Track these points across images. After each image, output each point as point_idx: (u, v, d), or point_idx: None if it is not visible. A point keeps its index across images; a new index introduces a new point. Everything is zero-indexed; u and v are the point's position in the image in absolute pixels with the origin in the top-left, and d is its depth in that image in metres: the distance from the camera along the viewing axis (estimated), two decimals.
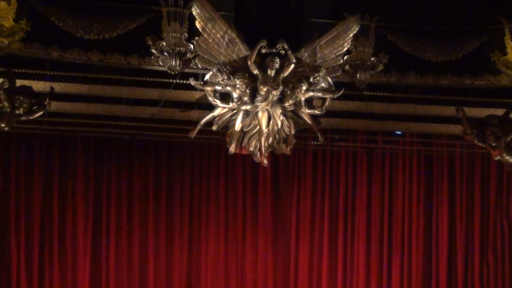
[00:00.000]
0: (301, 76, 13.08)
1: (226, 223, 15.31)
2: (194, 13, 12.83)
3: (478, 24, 13.87)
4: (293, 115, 13.23)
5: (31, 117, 13.41)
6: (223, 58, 13.04)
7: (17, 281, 14.62)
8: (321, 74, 13.14)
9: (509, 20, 13.73)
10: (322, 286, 15.39)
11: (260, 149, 13.28)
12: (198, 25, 12.89)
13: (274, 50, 12.83)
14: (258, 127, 13.15)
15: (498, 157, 14.27)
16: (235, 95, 13.04)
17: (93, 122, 14.44)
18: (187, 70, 13.16)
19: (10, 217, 14.74)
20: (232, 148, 13.38)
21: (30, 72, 13.36)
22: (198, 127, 13.28)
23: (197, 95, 13.43)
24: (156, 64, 13.18)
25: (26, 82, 13.34)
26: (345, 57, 13.32)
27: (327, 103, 13.23)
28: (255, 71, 12.80)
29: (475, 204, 15.62)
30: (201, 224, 15.27)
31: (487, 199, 15.64)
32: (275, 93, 12.92)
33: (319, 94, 13.20)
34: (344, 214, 15.56)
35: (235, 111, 13.17)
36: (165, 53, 13.03)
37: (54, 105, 13.53)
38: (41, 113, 13.41)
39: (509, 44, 13.76)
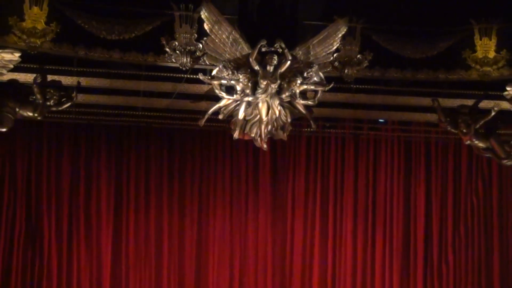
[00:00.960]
0: (296, 71, 13.04)
1: (231, 200, 15.34)
2: (202, 16, 12.82)
3: (451, 25, 13.86)
4: (289, 105, 13.19)
5: (60, 108, 13.41)
6: (228, 56, 13.02)
7: (48, 255, 14.63)
8: (313, 69, 13.10)
9: (478, 21, 13.70)
10: (315, 255, 15.37)
11: (260, 135, 13.27)
12: (206, 27, 12.87)
13: (272, 49, 12.80)
14: (258, 116, 13.11)
15: (468, 142, 14.24)
16: (238, 88, 13.02)
17: (114, 112, 14.44)
18: (196, 66, 13.14)
19: (42, 197, 14.76)
20: (236, 134, 13.35)
21: (59, 68, 13.34)
22: (206, 116, 13.26)
23: (205, 88, 13.42)
24: (169, 61, 13.19)
25: (56, 77, 13.32)
26: (334, 55, 13.30)
27: (319, 95, 13.21)
28: (256, 67, 12.78)
29: (449, 183, 15.63)
30: (209, 201, 15.29)
31: (459, 179, 15.65)
32: (274, 86, 12.88)
33: (312, 87, 13.16)
34: (333, 192, 15.56)
35: (238, 102, 13.15)
36: (177, 52, 13.03)
37: (80, 97, 13.54)
38: (69, 104, 13.39)
39: (478, 42, 13.74)
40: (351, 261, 15.47)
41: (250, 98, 13.05)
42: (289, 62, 12.83)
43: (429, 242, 15.60)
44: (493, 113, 13.95)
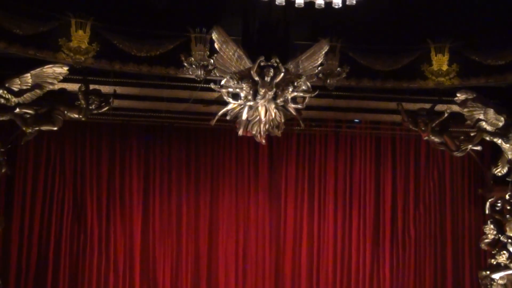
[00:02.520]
0: (288, 81, 12.93)
1: (236, 184, 15.39)
2: (213, 37, 12.74)
3: (412, 44, 13.75)
4: (282, 108, 13.10)
5: (100, 111, 13.43)
6: (234, 69, 12.93)
7: (90, 228, 14.77)
8: (302, 80, 13.00)
9: (434, 41, 13.65)
10: (303, 228, 15.43)
11: (259, 133, 13.21)
12: (216, 46, 12.79)
13: (269, 63, 12.73)
14: (258, 117, 13.04)
15: (426, 138, 14.26)
16: (242, 94, 12.94)
17: (143, 114, 14.55)
18: (208, 77, 13.09)
19: (85, 183, 14.88)
20: (240, 132, 13.30)
21: (99, 79, 13.41)
22: (217, 117, 13.21)
23: (215, 95, 13.37)
24: (187, 73, 13.15)
25: (96, 86, 13.38)
26: (319, 68, 13.18)
27: (306, 100, 13.11)
28: (256, 78, 12.71)
29: (410, 170, 15.66)
30: (219, 186, 15.34)
31: (418, 167, 15.68)
32: (270, 93, 12.80)
33: (301, 94, 13.08)
34: (318, 178, 15.61)
35: (242, 106, 13.06)
36: (193, 66, 12.99)
37: (116, 102, 13.55)
38: (107, 108, 13.41)
39: (433, 58, 13.67)
40: (332, 233, 15.47)
41: (251, 103, 12.98)
42: (282, 74, 12.76)
43: (395, 218, 15.64)
44: (446, 115, 13.97)
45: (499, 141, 14.07)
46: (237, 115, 13.24)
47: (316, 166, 15.68)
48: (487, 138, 14.20)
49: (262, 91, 12.83)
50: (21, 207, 14.59)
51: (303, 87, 13.12)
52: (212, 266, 15.23)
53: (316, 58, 13.17)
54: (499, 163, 14.36)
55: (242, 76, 12.95)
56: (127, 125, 14.96)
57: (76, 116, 13.42)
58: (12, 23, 12.45)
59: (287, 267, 15.39)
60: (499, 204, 14.53)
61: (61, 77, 13.13)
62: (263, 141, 13.48)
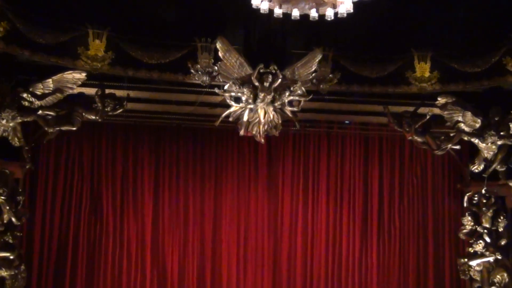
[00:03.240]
0: (285, 86, 12.99)
1: (238, 179, 15.36)
2: (217, 46, 12.79)
3: (397, 53, 13.81)
4: (280, 111, 13.17)
5: (114, 113, 13.47)
6: (236, 75, 12.98)
7: (106, 219, 14.79)
8: (298, 85, 13.06)
9: (417, 50, 13.71)
10: (298, 219, 15.41)
11: (259, 133, 13.29)
12: (220, 54, 12.85)
13: (268, 70, 12.81)
14: (258, 118, 13.14)
15: (410, 138, 14.30)
16: (243, 98, 13.02)
17: (154, 116, 14.65)
18: (213, 83, 13.12)
19: (101, 178, 14.89)
20: (241, 132, 13.37)
21: (114, 84, 13.47)
22: (220, 119, 13.31)
23: (219, 98, 13.38)
24: (193, 79, 13.19)
25: (111, 91, 13.42)
26: (313, 74, 13.22)
27: (301, 103, 13.18)
28: (256, 83, 12.81)
29: (395, 167, 15.64)
30: (222, 180, 15.31)
31: (403, 164, 15.65)
32: (269, 97, 12.90)
33: (297, 98, 13.13)
34: (312, 175, 15.57)
35: (243, 109, 13.16)
36: (199, 72, 13.02)
37: (129, 105, 13.57)
38: (121, 110, 13.45)
39: (417, 65, 13.73)
40: (325, 223, 15.45)
41: (251, 106, 13.06)
42: (280, 80, 12.83)
43: (381, 210, 15.62)
44: (428, 117, 13.99)
45: (476, 141, 14.00)
46: (239, 117, 13.31)
47: (310, 163, 15.63)
48: (465, 138, 14.14)
49: (261, 95, 12.92)
50: (44, 200, 14.57)
51: (299, 92, 13.16)
52: (216, 253, 15.18)
53: (310, 66, 13.23)
54: (476, 161, 14.32)
55: (243, 82, 13.00)
56: (139, 125, 14.96)
57: (93, 117, 13.47)
58: (36, 34, 12.54)
59: (284, 254, 15.34)
60: (476, 198, 14.46)
61: (80, 82, 13.15)
62: (262, 140, 13.56)
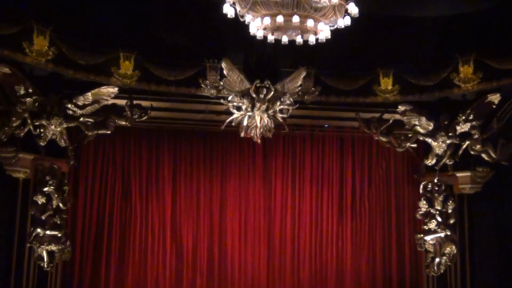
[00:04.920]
0: (277, 97, 12.96)
1: (239, 173, 15.37)
2: (222, 66, 12.81)
3: (366, 70, 13.69)
4: (272, 117, 13.11)
5: (140, 119, 13.48)
6: (237, 89, 12.97)
7: (134, 205, 14.86)
8: (287, 96, 13.02)
9: (381, 68, 13.64)
10: (288, 204, 15.42)
11: (256, 135, 13.21)
12: (224, 72, 12.87)
13: (263, 85, 12.81)
14: (255, 123, 13.08)
15: (376, 138, 14.34)
16: (243, 107, 12.98)
17: (172, 121, 14.68)
18: (219, 95, 13.07)
19: (130, 170, 14.95)
20: (242, 134, 13.30)
21: (140, 96, 13.40)
22: (225, 123, 13.26)
23: (224, 107, 13.35)
24: (203, 92, 13.13)
25: (138, 101, 13.41)
26: (299, 88, 13.17)
27: (290, 111, 13.15)
28: (254, 95, 12.80)
29: (365, 162, 15.63)
30: (227, 173, 15.31)
31: (371, 159, 15.65)
32: (264, 106, 12.87)
33: (286, 107, 13.10)
34: (298, 168, 15.57)
35: (243, 115, 13.09)
36: (208, 86, 12.97)
37: (152, 113, 13.56)
38: (146, 117, 13.46)
39: (381, 80, 13.67)
40: (309, 207, 15.47)
41: (250, 113, 13.02)
42: (272, 92, 12.82)
43: (354, 196, 15.64)
44: (390, 121, 14.06)
45: (429, 140, 14.03)
46: (240, 122, 13.25)
47: (296, 159, 15.62)
48: (421, 138, 14.16)
49: (257, 104, 12.91)
50: (84, 189, 14.64)
51: (287, 102, 13.13)
52: (222, 230, 15.19)
53: (296, 81, 13.20)
54: (429, 156, 14.28)
55: (243, 94, 12.99)
56: (160, 129, 14.94)
57: (124, 123, 13.49)
58: (78, 57, 12.55)
59: (276, 230, 15.34)
60: (429, 186, 14.46)
61: (113, 95, 13.16)
62: (259, 141, 13.52)
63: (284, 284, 15.11)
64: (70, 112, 13.01)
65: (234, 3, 8.90)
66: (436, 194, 14.45)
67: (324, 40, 9.36)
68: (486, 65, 13.20)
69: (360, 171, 15.67)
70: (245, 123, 13.19)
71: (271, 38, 9.42)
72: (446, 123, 13.85)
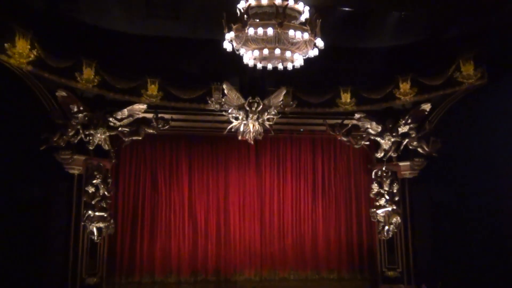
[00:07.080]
0: (265, 109, 12.97)
1: (238, 167, 15.23)
2: (224, 87, 12.84)
3: (331, 87, 13.76)
4: (262, 124, 13.06)
5: (164, 128, 13.50)
6: (235, 104, 12.98)
7: (160, 193, 14.75)
8: (272, 109, 13.03)
9: (342, 86, 13.66)
10: (274, 189, 15.30)
11: (250, 138, 13.09)
12: (225, 91, 12.89)
13: (254, 100, 12.88)
14: (249, 129, 13.01)
15: (339, 138, 14.35)
16: (240, 117, 12.98)
17: (187, 129, 14.60)
18: (222, 109, 13.07)
19: (156, 167, 14.79)
20: (239, 137, 13.21)
21: (163, 111, 13.38)
22: (227, 130, 13.20)
23: (225, 118, 13.23)
24: (210, 106, 13.11)
25: (162, 114, 13.38)
26: (281, 102, 13.14)
27: (274, 119, 13.12)
28: (247, 108, 12.85)
29: (331, 155, 15.44)
30: (229, 168, 15.19)
31: (335, 154, 15.44)
32: (255, 117, 12.91)
33: (272, 116, 13.06)
34: (281, 163, 15.40)
35: (240, 124, 13.04)
36: (213, 102, 13.02)
37: (173, 123, 13.57)
38: (167, 126, 13.49)
39: (342, 95, 13.66)
40: (290, 191, 15.37)
41: (245, 122, 13.01)
42: (261, 106, 12.90)
43: (324, 182, 15.48)
44: (349, 125, 14.11)
45: (378, 139, 14.14)
46: (237, 129, 13.23)
47: (280, 156, 15.51)
48: (372, 138, 14.22)
49: (250, 115, 12.96)
50: (123, 181, 14.62)
51: (273, 113, 13.16)
52: (226, 210, 15.11)
53: (279, 97, 13.25)
54: (379, 151, 14.39)
55: (240, 108, 13.04)
56: (179, 135, 14.89)
57: (151, 131, 13.55)
58: (116, 82, 12.72)
59: (266, 210, 15.26)
60: (379, 173, 14.62)
61: (143, 110, 13.25)
62: (252, 142, 13.47)
63: (273, 248, 15.03)
64: (111, 124, 13.13)
65: (231, 40, 9.04)
66: (384, 179, 14.58)
67: (299, 66, 9.51)
68: (419, 82, 13.38)
69: (328, 163, 15.58)
70: (241, 129, 13.18)
71: (259, 65, 9.56)
72: (390, 126, 13.95)
